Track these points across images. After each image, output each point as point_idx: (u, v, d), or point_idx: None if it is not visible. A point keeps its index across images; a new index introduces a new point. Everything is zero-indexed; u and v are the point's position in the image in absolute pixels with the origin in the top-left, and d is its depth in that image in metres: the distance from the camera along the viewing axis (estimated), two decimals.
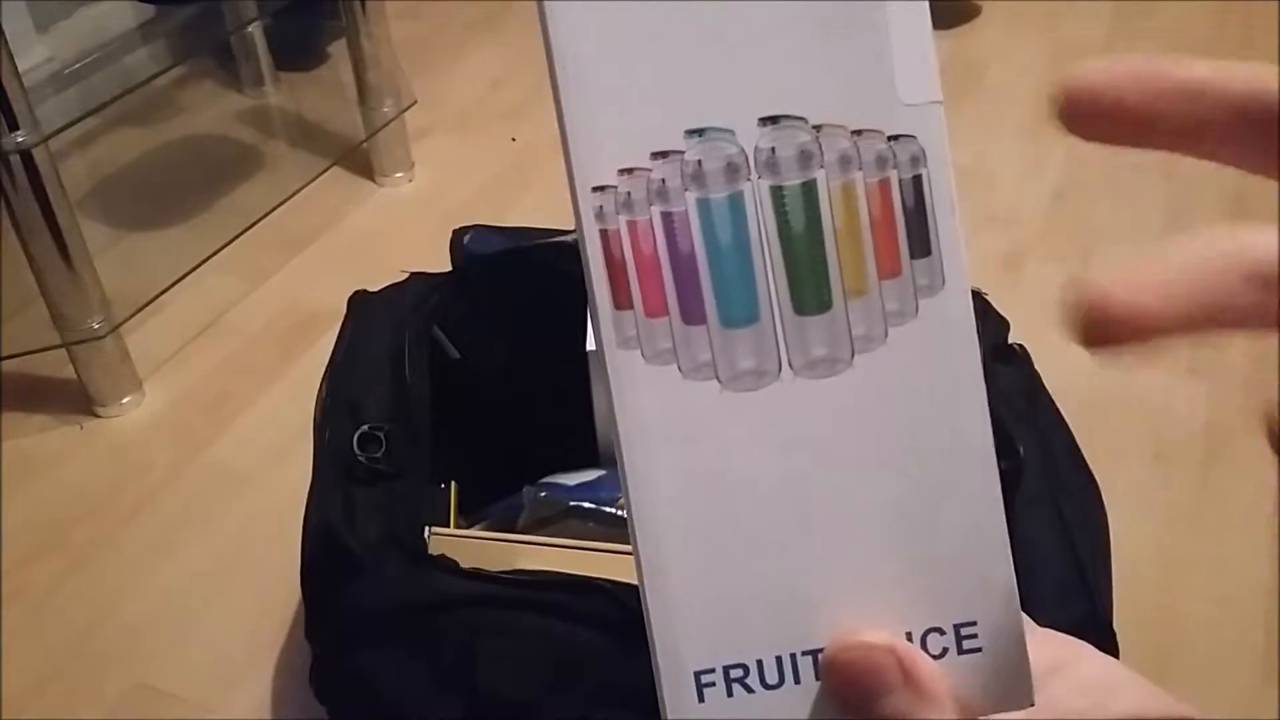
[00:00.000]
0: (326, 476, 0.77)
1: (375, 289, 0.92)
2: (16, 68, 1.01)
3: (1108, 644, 0.68)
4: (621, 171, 0.23)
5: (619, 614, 0.69)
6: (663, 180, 0.23)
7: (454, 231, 0.93)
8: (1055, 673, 0.26)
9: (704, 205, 0.23)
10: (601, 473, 0.85)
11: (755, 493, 0.24)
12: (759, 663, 0.24)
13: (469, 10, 1.94)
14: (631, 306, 0.23)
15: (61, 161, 1.16)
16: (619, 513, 0.81)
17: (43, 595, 0.99)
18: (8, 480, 1.10)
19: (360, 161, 1.53)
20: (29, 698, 0.91)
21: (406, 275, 0.93)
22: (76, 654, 0.94)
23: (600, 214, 0.23)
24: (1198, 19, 1.85)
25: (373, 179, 1.53)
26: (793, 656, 0.24)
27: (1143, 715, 0.25)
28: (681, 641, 0.24)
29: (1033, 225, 1.38)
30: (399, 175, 1.53)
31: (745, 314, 0.24)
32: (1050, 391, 0.84)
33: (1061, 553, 0.70)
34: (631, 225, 0.23)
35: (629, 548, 0.78)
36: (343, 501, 0.75)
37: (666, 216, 0.23)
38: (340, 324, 0.88)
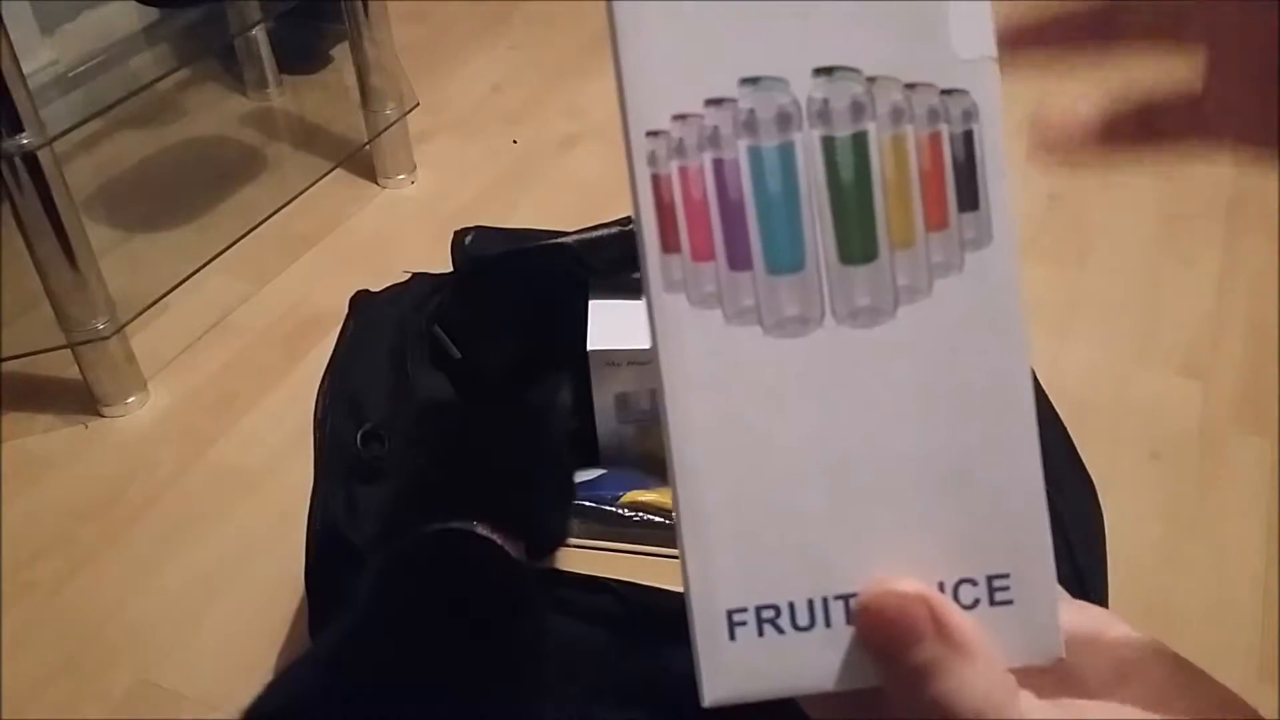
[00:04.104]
0: (329, 475, 0.78)
1: (377, 289, 0.92)
2: (21, 70, 1.01)
3: None
4: (675, 117, 0.23)
5: (623, 611, 0.69)
6: (715, 127, 0.23)
7: (455, 233, 0.94)
8: (1088, 642, 0.26)
9: (755, 153, 0.23)
10: (602, 472, 0.85)
11: (793, 438, 0.24)
12: (791, 605, 0.24)
13: (471, 14, 1.95)
14: (679, 250, 0.23)
15: (66, 163, 1.17)
16: (621, 511, 0.81)
17: (48, 593, 1.00)
18: (13, 479, 1.10)
19: (363, 164, 1.54)
20: (34, 695, 0.91)
21: (408, 276, 0.93)
22: (81, 651, 0.95)
23: (653, 158, 0.23)
24: None
25: (375, 181, 1.54)
26: (824, 600, 0.24)
27: (1173, 687, 0.26)
28: (716, 581, 0.24)
29: (1028, 226, 1.38)
30: (401, 177, 1.53)
31: (791, 261, 0.24)
32: (1046, 391, 0.85)
33: (1057, 551, 0.71)
34: (683, 170, 0.23)
35: (631, 546, 0.80)
36: (345, 499, 0.76)
37: (718, 163, 0.23)
38: (342, 324, 0.89)
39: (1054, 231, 1.38)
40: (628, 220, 0.87)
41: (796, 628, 0.24)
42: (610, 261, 0.86)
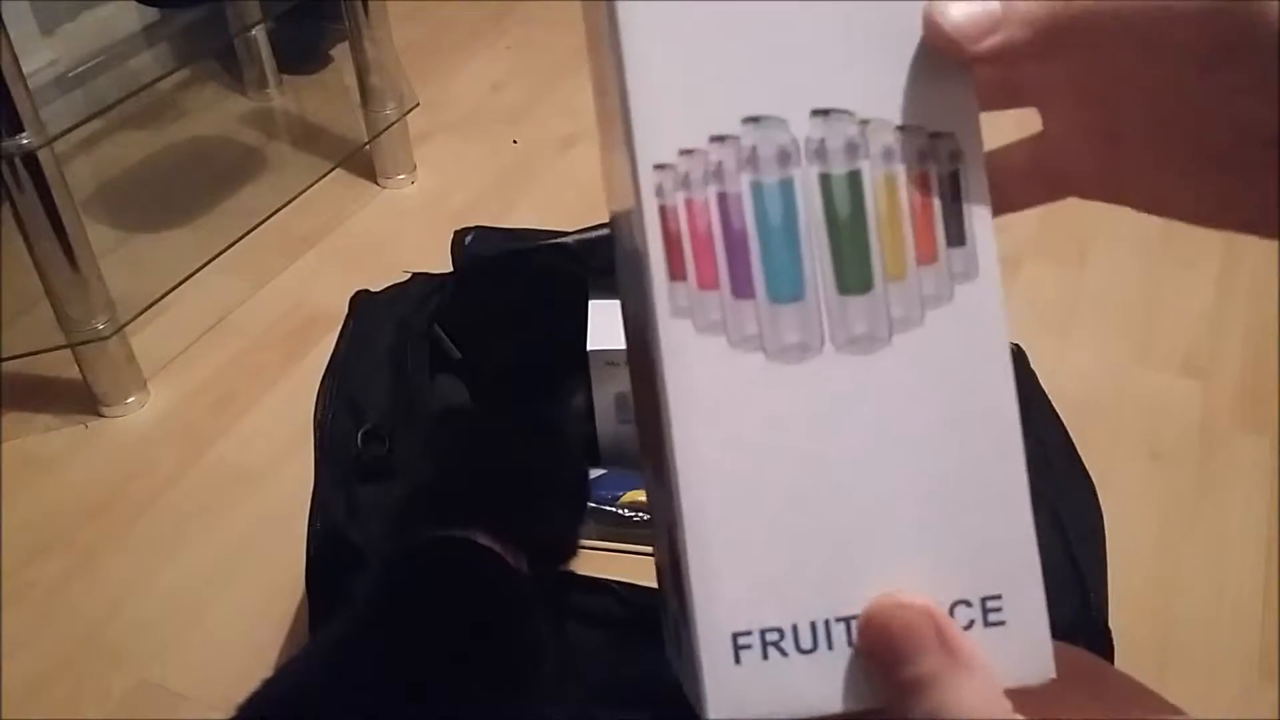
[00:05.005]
0: (329, 474, 0.78)
1: (377, 289, 0.92)
2: (21, 70, 1.01)
3: (1102, 644, 0.68)
4: (682, 152, 0.24)
5: (623, 612, 0.69)
6: (720, 162, 0.24)
7: (455, 232, 0.94)
8: (1074, 687, 0.26)
9: (757, 188, 0.24)
10: (603, 472, 0.86)
11: (795, 461, 0.25)
12: (794, 627, 0.24)
13: (471, 14, 1.95)
14: (685, 278, 0.24)
15: (66, 163, 1.17)
16: (621, 512, 0.81)
17: (48, 594, 1.00)
18: (13, 480, 1.10)
19: (363, 163, 1.54)
20: (34, 695, 0.91)
21: (408, 276, 0.93)
22: (82, 652, 0.95)
23: (660, 190, 0.24)
24: None
25: (375, 181, 1.54)
26: (826, 623, 0.24)
27: (1127, 691, 0.26)
28: (721, 604, 0.24)
29: (1029, 226, 1.38)
30: (401, 177, 1.53)
31: (792, 291, 0.25)
32: (1046, 392, 0.85)
33: (1057, 552, 0.71)
34: (689, 202, 0.24)
35: (631, 547, 0.81)
36: (346, 499, 0.76)
37: (722, 196, 0.24)
38: (342, 323, 0.89)
39: (1054, 231, 1.38)
40: None
41: (800, 650, 0.24)
42: (610, 261, 0.86)
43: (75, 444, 1.15)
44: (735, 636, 0.24)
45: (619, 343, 0.94)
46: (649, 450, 0.28)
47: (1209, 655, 0.92)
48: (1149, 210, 0.27)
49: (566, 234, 0.88)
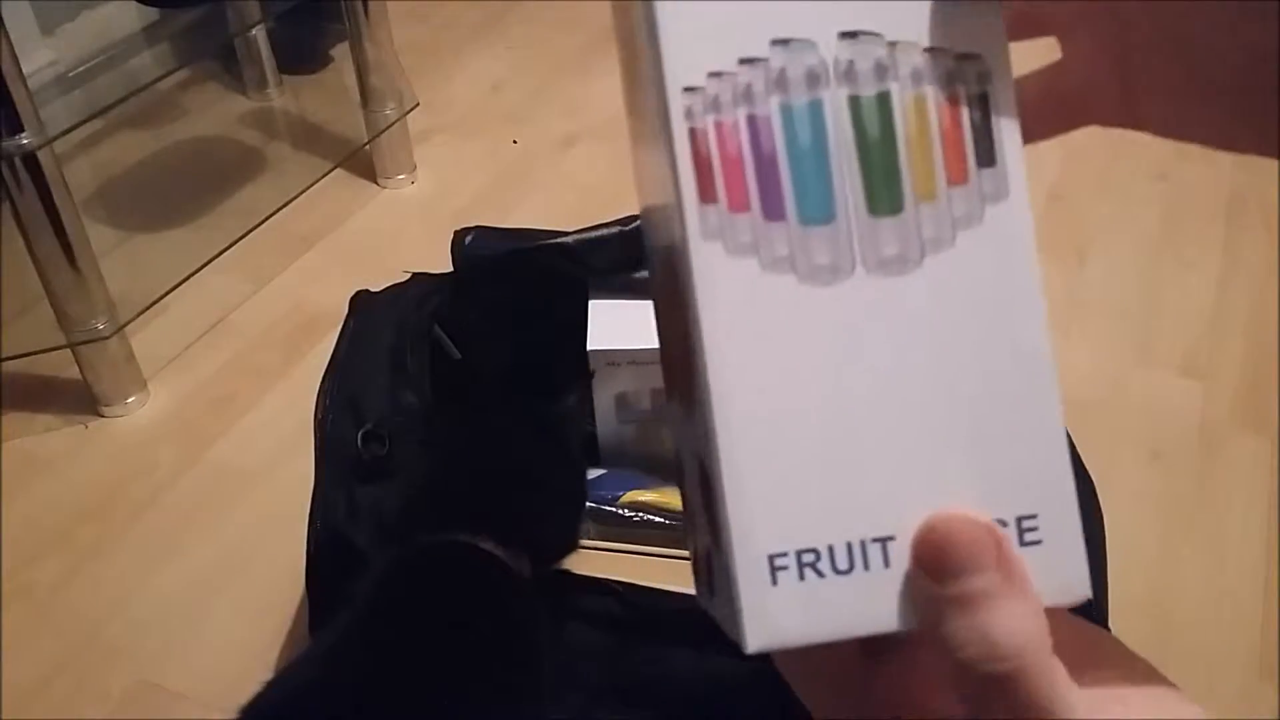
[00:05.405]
0: (329, 474, 0.78)
1: (377, 289, 0.92)
2: (21, 70, 1.01)
3: None
4: (711, 75, 0.24)
5: (623, 613, 0.69)
6: (749, 84, 0.24)
7: (455, 233, 0.94)
8: (1084, 662, 0.26)
9: (786, 110, 0.25)
10: (603, 472, 0.85)
11: (827, 383, 0.25)
12: (830, 548, 0.24)
13: (471, 14, 1.95)
14: (716, 200, 0.24)
15: (66, 163, 1.17)
16: (621, 511, 0.81)
17: (47, 593, 1.00)
18: (13, 479, 1.10)
19: (363, 164, 1.54)
20: (33, 695, 0.91)
21: (408, 276, 0.93)
22: (81, 652, 0.95)
23: (690, 113, 0.24)
24: None
25: (375, 181, 1.54)
26: (863, 543, 0.24)
27: (1136, 665, 0.25)
28: (757, 525, 0.24)
29: None
30: (401, 177, 1.54)
31: (822, 213, 0.25)
32: None
33: None
34: (719, 125, 0.24)
35: (632, 546, 0.80)
36: (346, 499, 0.76)
37: (751, 118, 0.24)
38: (342, 323, 0.89)
39: (1054, 231, 1.38)
40: (628, 220, 0.87)
41: (836, 571, 0.24)
42: (610, 261, 0.86)
43: (75, 444, 1.15)
44: (771, 558, 0.24)
45: (619, 343, 0.94)
46: (676, 384, 0.28)
47: (1209, 655, 0.92)
48: (1165, 135, 0.27)
49: (566, 234, 0.88)
